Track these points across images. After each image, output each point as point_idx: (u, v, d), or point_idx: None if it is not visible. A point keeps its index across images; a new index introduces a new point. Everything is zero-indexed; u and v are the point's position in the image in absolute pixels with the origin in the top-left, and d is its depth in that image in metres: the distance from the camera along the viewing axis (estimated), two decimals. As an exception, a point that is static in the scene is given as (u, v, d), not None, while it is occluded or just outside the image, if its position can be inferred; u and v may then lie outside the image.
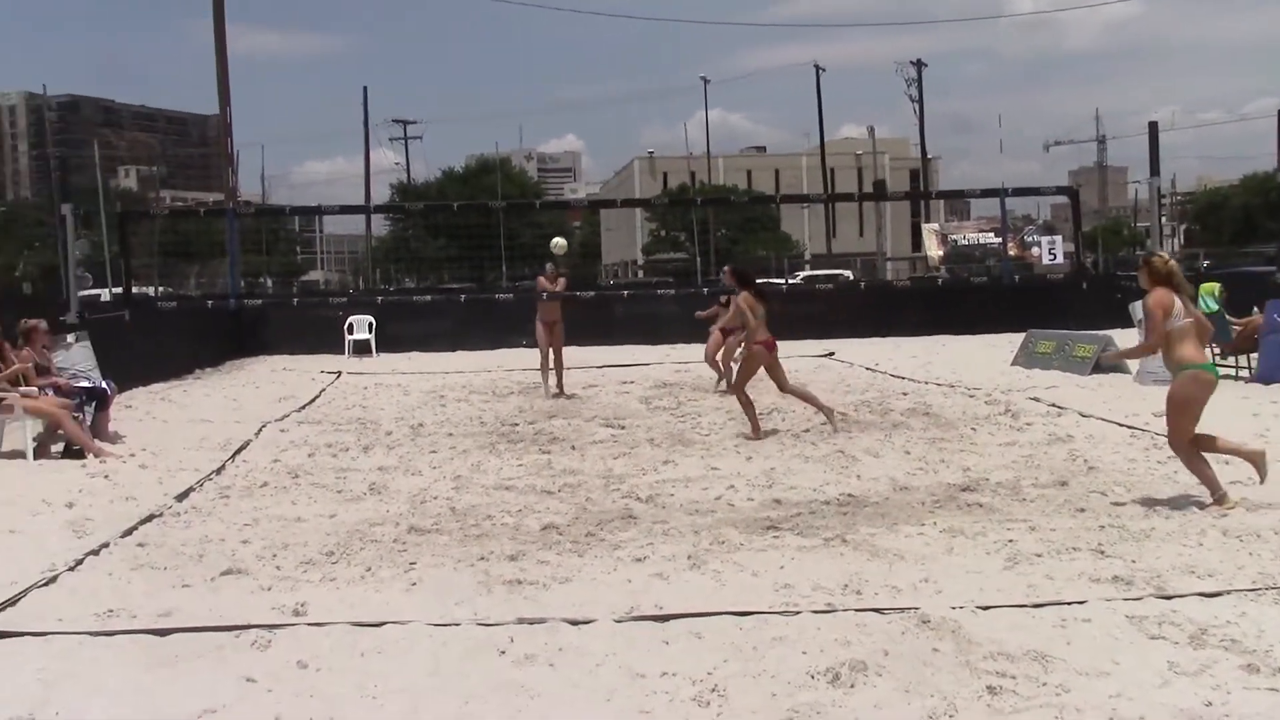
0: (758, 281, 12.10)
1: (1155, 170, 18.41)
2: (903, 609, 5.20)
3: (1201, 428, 7.37)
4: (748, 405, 11.32)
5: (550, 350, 15.52)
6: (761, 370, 11.41)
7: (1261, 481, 7.40)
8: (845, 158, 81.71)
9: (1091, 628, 4.93)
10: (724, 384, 14.60)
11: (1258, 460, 7.44)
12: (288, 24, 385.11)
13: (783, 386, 11.55)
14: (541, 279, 16.13)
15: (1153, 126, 18.78)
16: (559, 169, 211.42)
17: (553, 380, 15.51)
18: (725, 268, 16.09)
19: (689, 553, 6.48)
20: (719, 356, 15.23)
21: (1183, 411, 7.27)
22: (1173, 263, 7.49)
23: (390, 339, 24.64)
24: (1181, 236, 79.90)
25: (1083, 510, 7.32)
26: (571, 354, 19.24)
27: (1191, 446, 7.33)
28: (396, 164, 79.75)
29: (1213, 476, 7.31)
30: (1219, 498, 7.21)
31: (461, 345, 24.04)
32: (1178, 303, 7.22)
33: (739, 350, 13.85)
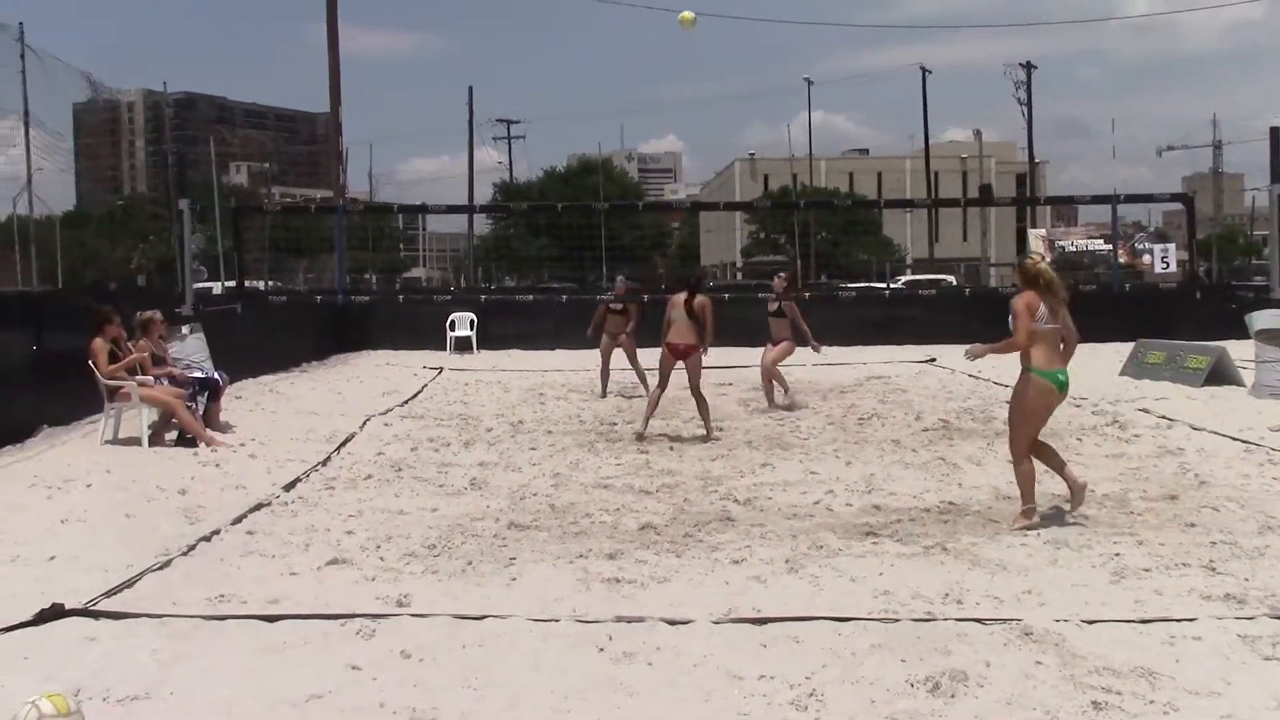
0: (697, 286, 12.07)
1: (1276, 177, 17.82)
2: (1005, 620, 5.13)
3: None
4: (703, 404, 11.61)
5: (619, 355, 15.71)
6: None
7: (1072, 511, 7.36)
8: (950, 161, 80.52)
9: (1202, 646, 4.81)
10: (784, 395, 14.09)
11: (1078, 491, 7.41)
12: (395, 24, 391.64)
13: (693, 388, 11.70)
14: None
15: (1274, 132, 18.17)
16: (659, 169, 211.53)
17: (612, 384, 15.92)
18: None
19: (787, 556, 6.47)
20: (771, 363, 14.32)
21: (1028, 420, 7.30)
22: (1044, 266, 7.37)
23: (491, 337, 24.92)
24: (1301, 245, 77.22)
25: (1193, 525, 7.14)
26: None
27: (1027, 455, 7.28)
28: (500, 163, 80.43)
29: (1031, 490, 7.27)
30: (1025, 511, 7.19)
31: (561, 344, 24.15)
32: (1043, 307, 7.15)
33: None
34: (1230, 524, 7.15)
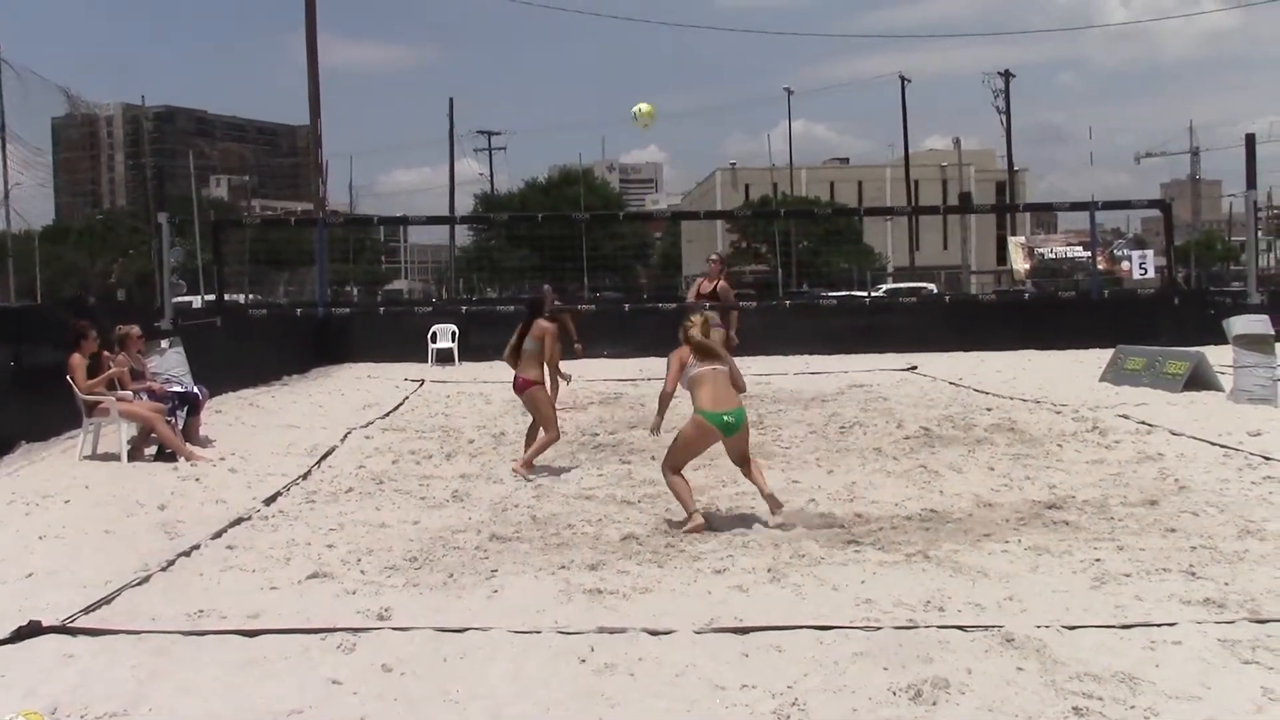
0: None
1: (1252, 183, 18.04)
2: (986, 627, 5.14)
3: None
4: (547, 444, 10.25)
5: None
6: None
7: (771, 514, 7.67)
8: (930, 169, 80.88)
9: (1182, 651, 4.83)
10: None
11: (773, 505, 7.73)
12: (376, 36, 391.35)
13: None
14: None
15: (1249, 138, 18.39)
16: (641, 180, 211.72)
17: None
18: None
19: (769, 565, 6.47)
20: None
21: (683, 448, 7.77)
22: (696, 332, 7.85)
23: (473, 348, 24.82)
24: (1278, 251, 77.88)
25: (1173, 530, 7.17)
26: (654, 364, 19.27)
27: (675, 474, 7.71)
28: (481, 174, 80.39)
29: (689, 500, 7.63)
30: (693, 525, 7.45)
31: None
32: (692, 359, 7.77)
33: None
34: (1210, 529, 7.19)
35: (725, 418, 7.66)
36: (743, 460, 7.91)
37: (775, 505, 7.70)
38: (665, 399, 8.13)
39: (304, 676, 4.74)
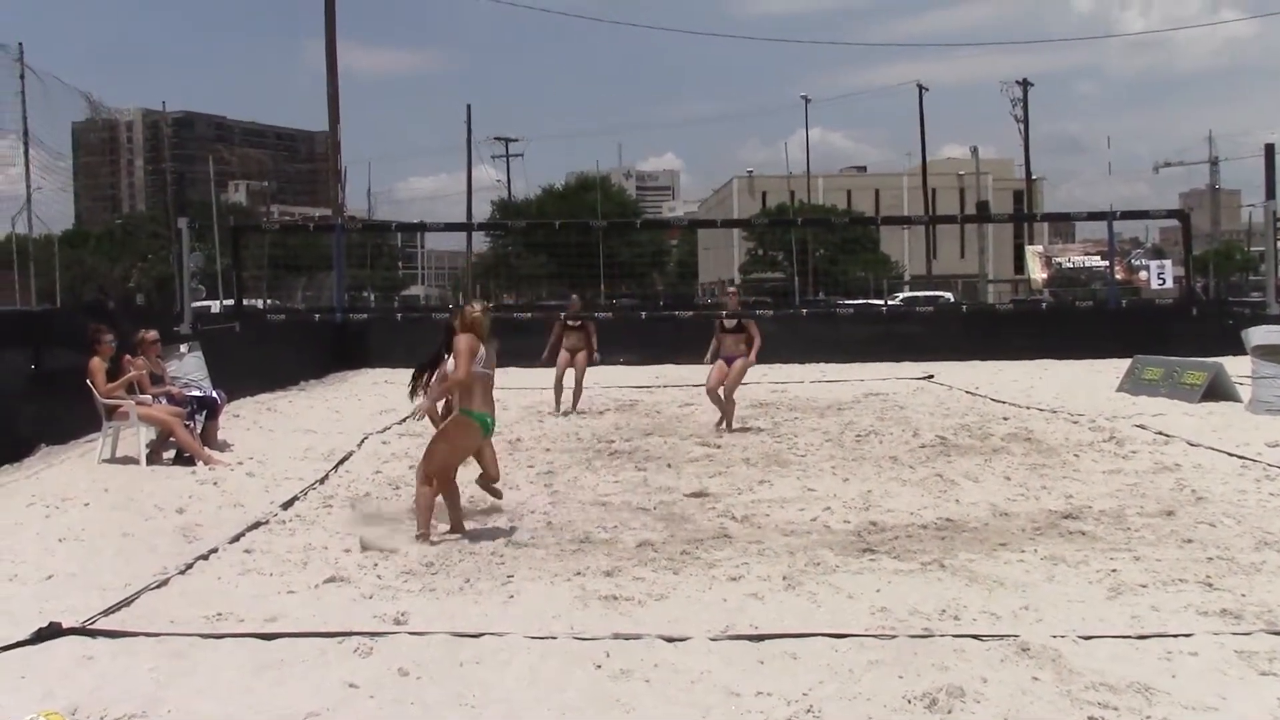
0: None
1: (1272, 193, 17.93)
2: (1002, 636, 5.14)
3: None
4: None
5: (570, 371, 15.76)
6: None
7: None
8: (947, 178, 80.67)
9: (1198, 662, 4.82)
10: (726, 425, 13.41)
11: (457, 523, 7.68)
12: (395, 42, 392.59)
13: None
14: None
15: (1269, 148, 18.27)
16: (657, 187, 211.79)
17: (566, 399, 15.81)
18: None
19: (784, 573, 6.47)
20: (721, 390, 13.48)
21: (448, 453, 7.62)
22: (480, 314, 7.76)
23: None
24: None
25: (1190, 541, 7.15)
26: (669, 372, 19.32)
27: (430, 481, 7.53)
28: (498, 181, 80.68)
29: (427, 519, 7.47)
30: (420, 535, 7.36)
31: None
32: (483, 351, 7.63)
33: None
34: (1227, 540, 7.16)
35: (488, 420, 7.76)
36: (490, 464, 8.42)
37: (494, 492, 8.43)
38: (457, 385, 7.62)
39: (321, 679, 4.76)
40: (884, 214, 74.26)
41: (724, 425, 13.41)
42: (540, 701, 4.51)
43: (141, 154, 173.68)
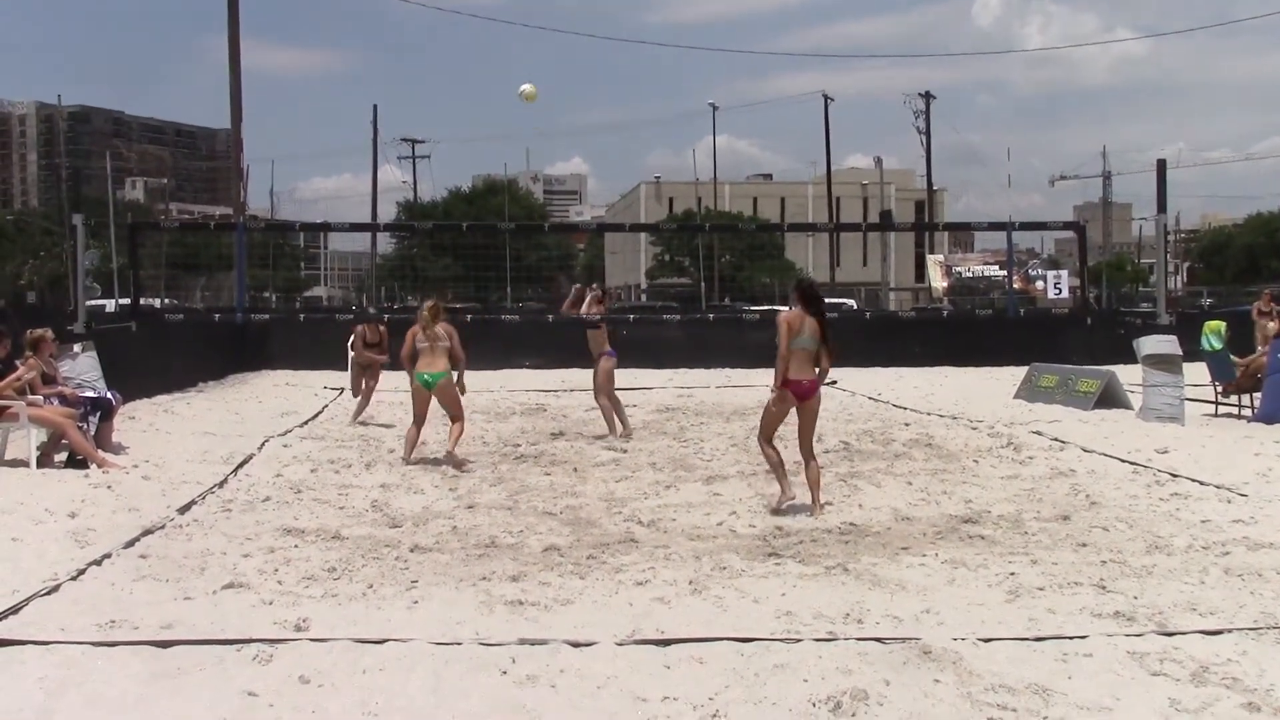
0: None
1: (1162, 207, 18.55)
2: (904, 639, 5.20)
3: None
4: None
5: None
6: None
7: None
8: (851, 187, 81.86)
9: (1093, 663, 4.93)
10: (623, 428, 13.34)
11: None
12: (298, 41, 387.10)
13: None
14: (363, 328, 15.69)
15: (1160, 164, 18.91)
16: (565, 191, 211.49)
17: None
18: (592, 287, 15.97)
19: (690, 578, 6.49)
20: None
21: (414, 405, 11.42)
22: (425, 310, 11.30)
23: (394, 357, 24.59)
24: (1185, 274, 79.95)
25: (1085, 545, 7.32)
26: (575, 376, 19.30)
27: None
28: (404, 182, 79.80)
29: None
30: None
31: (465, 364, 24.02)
32: (422, 334, 11.23)
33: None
34: (1119, 543, 7.35)
35: (425, 376, 11.10)
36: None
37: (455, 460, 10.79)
38: (405, 360, 11.52)
39: (219, 688, 4.65)
40: (789, 221, 75.20)
41: (622, 430, 13.33)
42: (444, 708, 4.46)
43: (35, 149, 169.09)
